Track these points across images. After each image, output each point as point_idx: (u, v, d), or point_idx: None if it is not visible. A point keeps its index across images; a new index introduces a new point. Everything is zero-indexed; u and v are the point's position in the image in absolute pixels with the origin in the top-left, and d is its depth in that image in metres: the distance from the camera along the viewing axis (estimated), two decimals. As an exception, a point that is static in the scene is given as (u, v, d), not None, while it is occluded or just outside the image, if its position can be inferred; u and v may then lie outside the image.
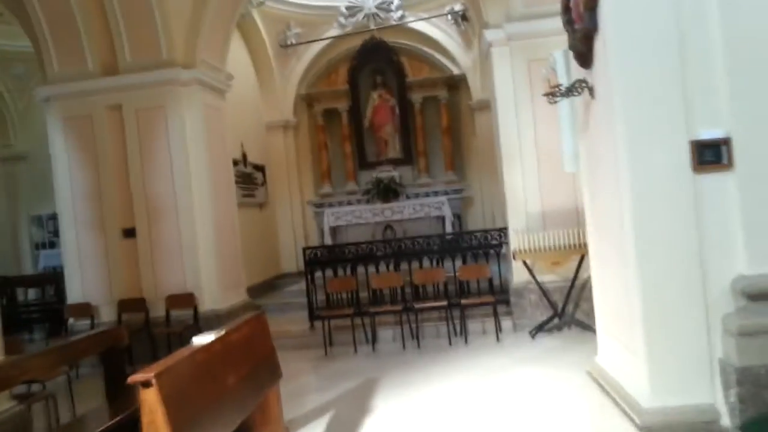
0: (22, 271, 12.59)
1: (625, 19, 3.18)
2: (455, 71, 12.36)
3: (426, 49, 12.36)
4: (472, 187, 12.45)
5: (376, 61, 12.35)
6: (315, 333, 7.93)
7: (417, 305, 7.42)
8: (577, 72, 3.98)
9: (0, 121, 12.75)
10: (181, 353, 3.43)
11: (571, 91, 3.82)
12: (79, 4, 7.62)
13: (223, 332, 3.91)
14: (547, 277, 7.34)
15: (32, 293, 11.29)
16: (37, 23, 7.80)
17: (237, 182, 10.30)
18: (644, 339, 3.21)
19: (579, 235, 6.99)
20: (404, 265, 8.06)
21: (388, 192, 11.74)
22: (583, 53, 3.56)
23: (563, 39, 7.45)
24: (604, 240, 3.95)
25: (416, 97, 12.37)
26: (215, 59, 8.51)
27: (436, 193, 12.02)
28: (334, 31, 12.40)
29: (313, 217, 12.75)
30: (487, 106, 12.02)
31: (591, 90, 3.68)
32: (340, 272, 8.18)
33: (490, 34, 7.50)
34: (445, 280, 7.72)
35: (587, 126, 3.98)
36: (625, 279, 3.43)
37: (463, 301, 7.34)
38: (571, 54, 3.92)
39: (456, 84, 12.52)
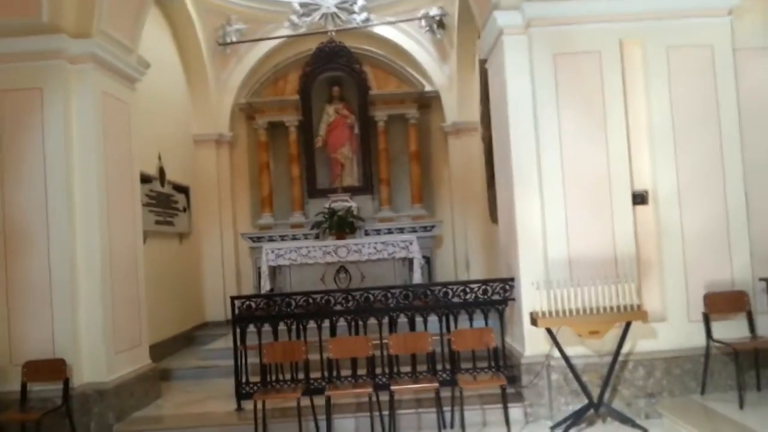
0: None
1: None
2: (427, 88, 10.44)
3: (394, 59, 10.42)
4: (443, 224, 10.42)
5: (334, 69, 10.28)
6: (244, 418, 5.57)
7: (393, 386, 5.19)
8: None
9: None
10: None
11: None
12: None
13: None
14: (573, 350, 5.29)
15: None
16: None
17: (149, 204, 7.93)
18: None
19: (624, 293, 5.02)
20: (370, 322, 5.90)
21: (343, 226, 9.55)
22: None
23: (604, 27, 5.64)
24: None
25: (380, 114, 10.34)
26: (122, 34, 6.19)
27: (401, 230, 9.94)
28: (285, 31, 10.30)
29: (248, 254, 10.37)
30: (463, 129, 10.28)
31: None
32: (282, 331, 5.89)
33: (502, 18, 5.57)
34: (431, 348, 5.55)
35: None
36: None
37: (463, 383, 5.16)
38: None
39: (427, 103, 10.60)
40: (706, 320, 5.25)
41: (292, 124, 10.35)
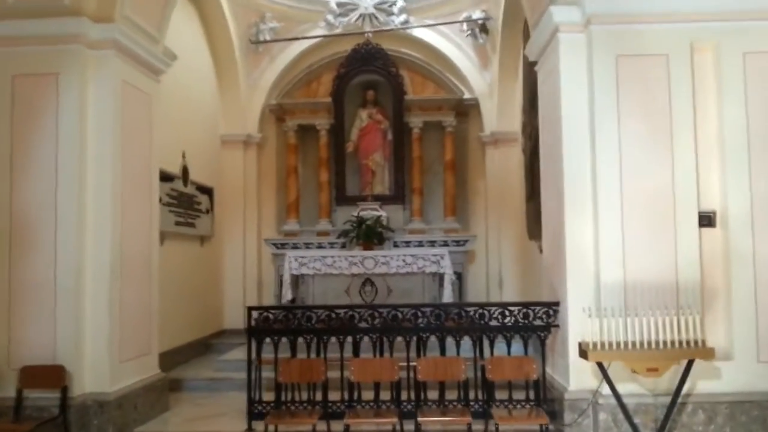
0: None
1: None
2: (466, 95, 9.92)
3: (432, 64, 9.93)
4: (477, 239, 9.84)
5: (370, 71, 9.83)
6: (254, 441, 5.10)
7: (420, 416, 4.66)
8: None
9: None
10: None
11: None
12: None
13: None
14: (624, 387, 4.69)
15: None
16: None
17: (169, 204, 7.56)
18: None
19: (687, 326, 4.43)
20: (397, 341, 5.39)
21: (371, 236, 9.06)
22: None
23: (673, 27, 5.03)
24: None
25: (415, 121, 9.85)
26: (147, 22, 5.83)
27: (432, 243, 9.39)
28: (320, 31, 9.90)
29: (271, 261, 9.94)
30: (502, 139, 9.72)
31: None
32: (301, 346, 5.40)
33: (559, 13, 5.05)
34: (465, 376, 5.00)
35: None
36: None
37: (499, 418, 4.59)
38: None
39: (465, 111, 10.07)
40: (780, 362, 4.62)
41: (323, 127, 9.92)
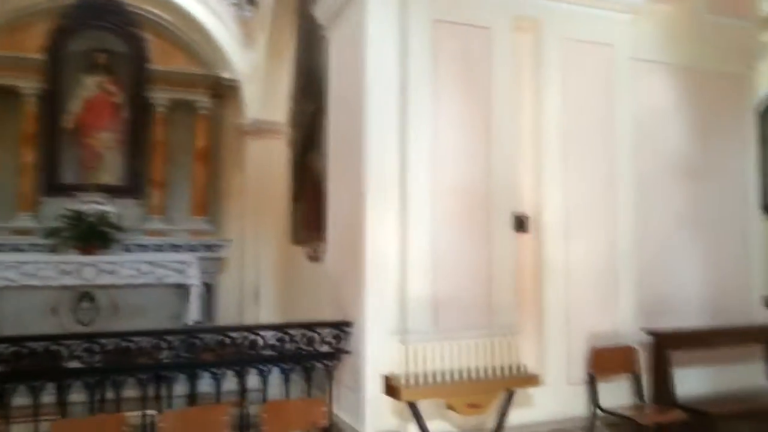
0: None
1: None
2: (225, 74, 8.43)
3: (185, 32, 8.25)
4: (232, 243, 8.36)
5: (102, 28, 7.76)
6: None
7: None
8: None
9: None
10: None
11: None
12: None
13: None
14: (432, 425, 3.76)
15: None
16: None
17: None
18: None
19: (504, 348, 3.69)
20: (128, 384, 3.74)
21: (92, 237, 7.01)
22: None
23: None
24: None
25: (160, 97, 8.03)
26: None
27: (176, 248, 7.67)
28: (34, -33, 7.55)
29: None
30: (266, 129, 8.46)
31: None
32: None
33: (366, -37, 4.00)
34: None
35: None
36: None
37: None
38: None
39: (222, 93, 8.57)
40: (592, 383, 4.14)
41: (30, 92, 7.53)
